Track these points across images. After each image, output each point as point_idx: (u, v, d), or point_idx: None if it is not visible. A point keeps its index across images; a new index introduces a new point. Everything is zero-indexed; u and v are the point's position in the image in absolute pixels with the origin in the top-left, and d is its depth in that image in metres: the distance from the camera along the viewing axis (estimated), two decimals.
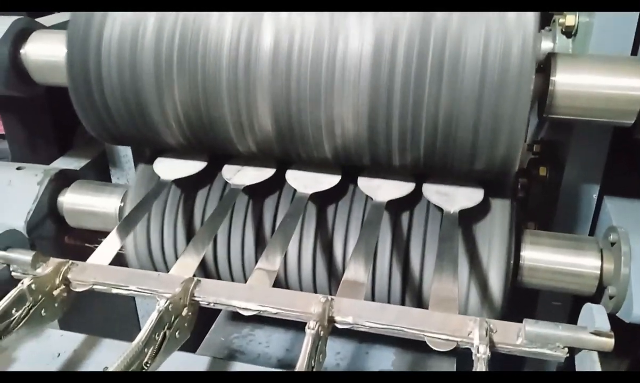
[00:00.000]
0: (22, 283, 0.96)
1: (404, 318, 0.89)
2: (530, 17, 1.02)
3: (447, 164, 1.15)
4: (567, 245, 1.31)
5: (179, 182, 1.37)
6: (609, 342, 0.85)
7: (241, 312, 0.95)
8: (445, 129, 1.08)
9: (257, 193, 1.34)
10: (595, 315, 0.86)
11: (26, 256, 1.04)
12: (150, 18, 1.19)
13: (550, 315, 1.51)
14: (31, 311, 0.95)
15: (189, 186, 1.40)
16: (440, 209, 1.21)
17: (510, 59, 1.01)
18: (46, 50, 1.46)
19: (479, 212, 1.24)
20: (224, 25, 1.15)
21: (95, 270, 1.03)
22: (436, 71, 1.04)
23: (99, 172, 1.80)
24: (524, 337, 0.87)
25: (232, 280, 1.36)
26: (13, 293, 0.95)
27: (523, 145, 1.08)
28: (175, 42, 1.17)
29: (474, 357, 0.84)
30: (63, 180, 1.61)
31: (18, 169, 1.63)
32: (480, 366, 0.82)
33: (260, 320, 0.96)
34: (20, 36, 1.47)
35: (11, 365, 1.00)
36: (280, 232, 1.14)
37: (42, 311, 0.97)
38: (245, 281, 1.04)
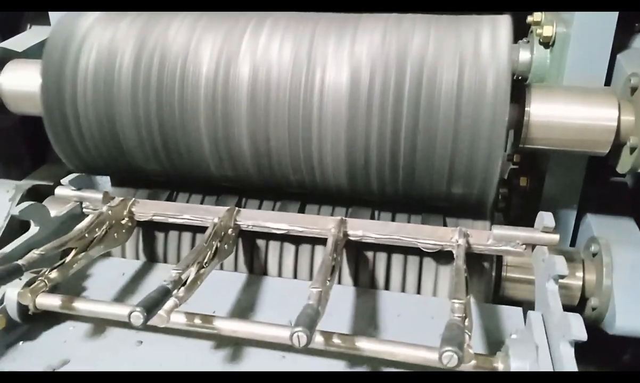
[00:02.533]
0: (103, 209, 1.23)
1: (402, 231, 1.14)
2: (504, 48, 1.03)
3: (424, 194, 1.16)
4: None
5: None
6: (555, 237, 1.07)
7: (274, 231, 1.19)
8: (422, 161, 1.09)
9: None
10: (544, 218, 1.08)
11: (97, 194, 1.29)
12: (128, 48, 1.19)
13: None
14: (108, 231, 1.21)
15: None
16: None
17: (485, 91, 1.02)
18: (21, 79, 1.43)
19: (459, 226, 1.22)
20: (202, 55, 1.15)
21: (155, 205, 1.29)
22: (413, 103, 1.05)
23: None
24: (493, 238, 1.10)
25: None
26: (96, 215, 1.21)
27: (501, 171, 1.09)
28: (153, 72, 1.17)
29: (454, 251, 1.08)
30: (36, 195, 1.56)
31: None
32: (460, 253, 1.05)
33: None
34: None
35: (88, 280, 1.23)
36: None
37: (115, 234, 1.24)
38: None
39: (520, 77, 1.49)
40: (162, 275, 1.19)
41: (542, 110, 1.17)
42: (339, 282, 1.24)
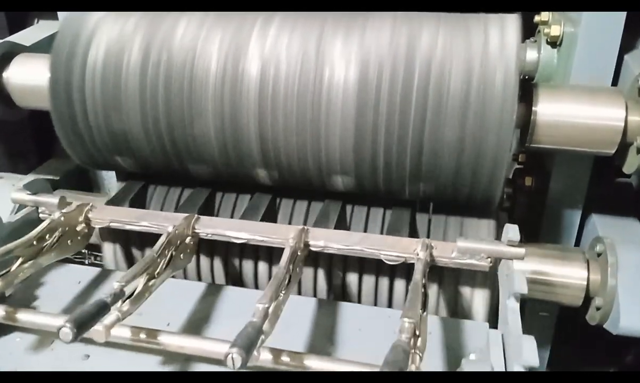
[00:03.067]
0: (54, 216, 1.14)
1: (364, 242, 1.09)
2: (512, 47, 1.04)
3: (430, 192, 1.16)
4: (553, 255, 1.31)
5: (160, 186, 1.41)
6: (520, 251, 1.00)
7: (234, 241, 1.13)
8: (429, 158, 1.09)
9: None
10: (509, 231, 1.02)
11: (53, 199, 1.20)
12: (135, 44, 1.19)
13: (537, 325, 1.51)
14: (60, 239, 1.14)
15: (170, 191, 1.40)
16: None
17: (493, 90, 1.02)
18: (29, 74, 1.44)
19: (464, 224, 1.24)
20: (210, 51, 1.15)
21: (112, 211, 1.23)
22: (421, 100, 1.05)
23: (80, 181, 1.77)
24: (457, 251, 1.04)
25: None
26: (47, 222, 1.13)
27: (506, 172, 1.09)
28: (161, 69, 1.17)
29: (415, 264, 1.00)
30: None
31: None
32: (419, 267, 0.98)
33: None
34: (2, 60, 1.46)
35: (41, 288, 1.17)
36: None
37: (69, 241, 1.16)
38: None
39: (527, 77, 1.49)
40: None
41: (549, 110, 1.17)
42: (315, 295, 1.23)
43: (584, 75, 1.29)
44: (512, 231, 1.02)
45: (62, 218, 1.15)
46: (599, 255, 1.28)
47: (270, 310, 0.87)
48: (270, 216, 1.30)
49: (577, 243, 1.48)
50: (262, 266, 1.27)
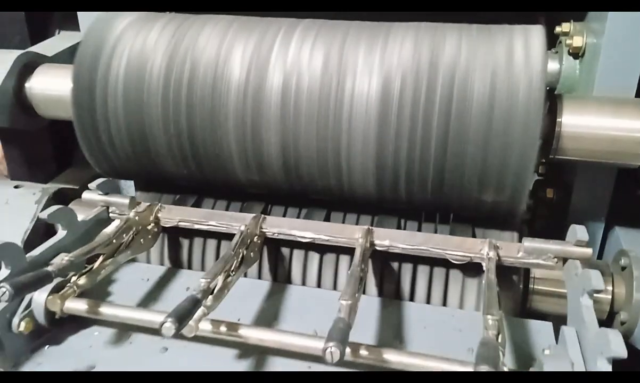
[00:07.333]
0: (130, 215, 1.24)
1: (429, 241, 1.14)
2: (537, 59, 1.02)
3: (453, 204, 1.15)
4: None
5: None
6: (588, 251, 1.05)
7: (299, 239, 1.19)
8: (452, 171, 1.08)
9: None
10: (577, 232, 1.06)
11: (124, 200, 1.30)
12: (159, 54, 1.19)
13: None
14: (134, 237, 1.22)
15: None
16: None
17: (518, 102, 1.01)
18: (51, 84, 1.46)
19: (486, 236, 1.21)
20: (232, 62, 1.15)
21: (180, 211, 1.29)
22: (444, 112, 1.04)
23: None
24: (524, 251, 1.09)
25: None
26: (124, 220, 1.21)
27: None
28: (184, 80, 1.17)
29: (484, 265, 1.06)
30: (61, 198, 1.58)
31: (16, 187, 1.61)
32: (491, 267, 1.05)
33: None
34: (25, 70, 1.48)
35: (112, 285, 1.23)
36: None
37: (141, 240, 1.24)
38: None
39: (548, 88, 1.48)
40: (184, 281, 1.25)
41: (574, 121, 1.16)
42: (364, 292, 1.23)
43: (607, 86, 1.27)
44: (580, 231, 1.05)
45: (137, 218, 1.23)
46: (623, 268, 1.26)
47: (351, 306, 0.92)
48: None
49: (600, 256, 1.45)
50: (312, 266, 1.28)
